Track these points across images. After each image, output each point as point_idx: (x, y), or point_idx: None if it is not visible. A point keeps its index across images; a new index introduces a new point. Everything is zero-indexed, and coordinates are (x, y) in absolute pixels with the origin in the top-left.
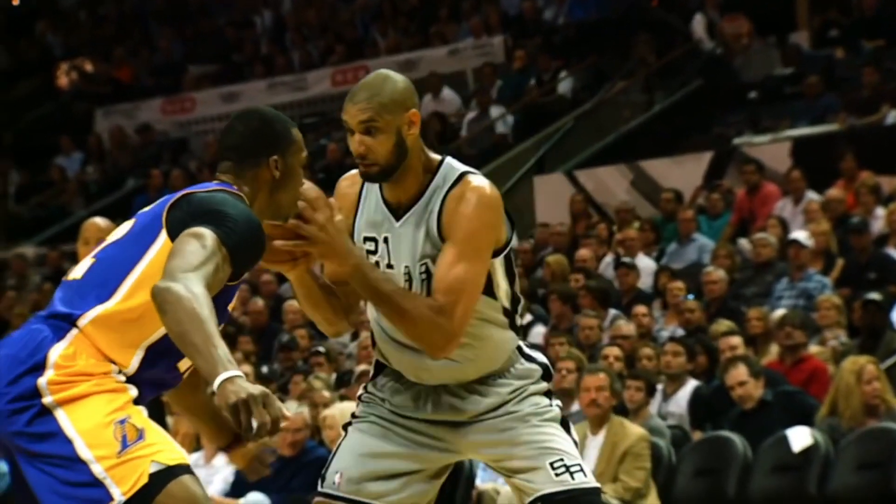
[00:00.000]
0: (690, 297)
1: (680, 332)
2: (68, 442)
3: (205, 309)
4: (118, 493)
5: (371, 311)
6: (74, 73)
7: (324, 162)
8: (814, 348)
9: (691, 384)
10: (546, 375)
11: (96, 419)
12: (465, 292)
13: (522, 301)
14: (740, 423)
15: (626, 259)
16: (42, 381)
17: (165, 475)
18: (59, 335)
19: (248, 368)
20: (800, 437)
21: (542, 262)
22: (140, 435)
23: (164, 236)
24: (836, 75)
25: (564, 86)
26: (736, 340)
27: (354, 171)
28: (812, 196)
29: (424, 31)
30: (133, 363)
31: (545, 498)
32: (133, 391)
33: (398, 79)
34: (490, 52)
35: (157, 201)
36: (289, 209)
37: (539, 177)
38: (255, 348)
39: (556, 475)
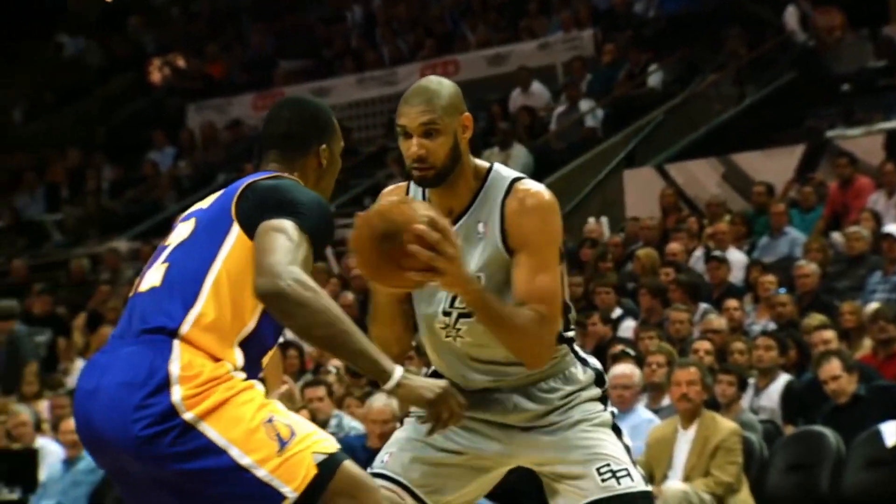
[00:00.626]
0: (782, 290)
1: (772, 326)
2: (223, 452)
3: (336, 306)
4: (289, 490)
5: (421, 326)
6: (167, 68)
7: None
8: None
9: (783, 378)
10: (599, 381)
11: (244, 425)
12: (554, 300)
13: (573, 310)
14: (833, 418)
15: (717, 253)
16: (176, 398)
17: (330, 464)
18: (165, 348)
19: (338, 362)
20: (893, 432)
21: (633, 255)
22: (292, 431)
23: (236, 229)
24: None
25: (655, 79)
26: (829, 334)
27: (399, 185)
28: None
29: (514, 25)
30: (238, 360)
31: None
32: (259, 385)
33: (450, 83)
34: (580, 45)
35: (212, 197)
36: (327, 195)
37: (629, 170)
38: None
39: (603, 481)
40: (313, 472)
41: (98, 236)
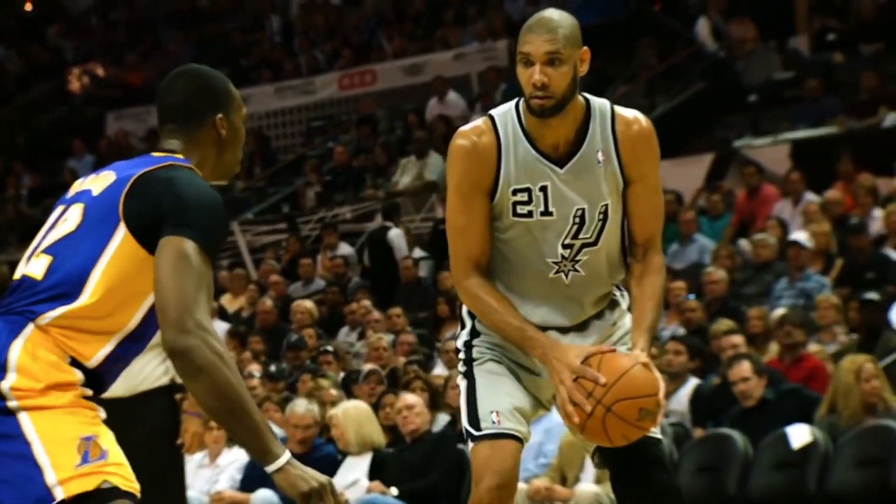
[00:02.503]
0: (691, 296)
1: (681, 331)
2: (27, 444)
3: (237, 375)
4: (61, 492)
5: (501, 284)
6: (86, 77)
7: (331, 164)
8: (813, 347)
9: (692, 382)
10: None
11: (62, 431)
12: (662, 223)
13: None
14: (741, 421)
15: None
16: (5, 385)
17: (113, 494)
18: (18, 329)
19: (257, 367)
20: (799, 435)
21: None
22: (102, 454)
23: (123, 229)
24: (834, 79)
25: None
26: (738, 339)
27: (472, 125)
28: (811, 197)
29: (430, 35)
30: (98, 356)
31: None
32: (102, 413)
33: (570, 16)
34: (494, 56)
35: (105, 180)
36: (234, 168)
37: None
38: (264, 347)
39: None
40: (90, 487)
41: (17, 243)
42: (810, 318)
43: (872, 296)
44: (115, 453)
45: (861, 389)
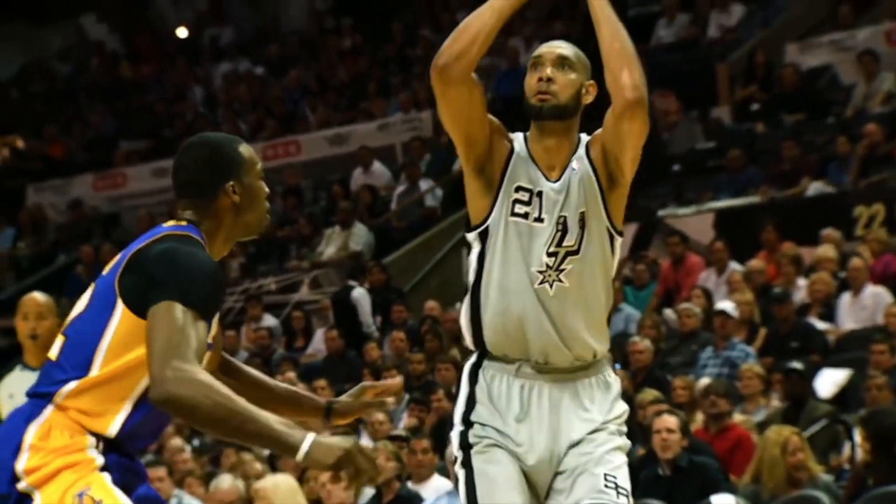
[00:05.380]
0: (617, 366)
1: None
2: None
3: (223, 395)
4: None
5: (489, 296)
6: (6, 149)
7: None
8: (738, 416)
9: None
10: (623, 393)
11: (58, 495)
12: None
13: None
14: (655, 488)
15: None
16: (20, 466)
17: None
18: (36, 413)
19: (179, 442)
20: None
21: None
22: None
23: (120, 306)
24: (757, 148)
25: None
26: (663, 409)
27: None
28: (735, 267)
29: (354, 106)
30: (115, 424)
31: None
32: (100, 460)
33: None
34: (418, 126)
35: (113, 259)
36: (259, 224)
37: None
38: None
39: (606, 486)
40: None
41: None
42: (735, 388)
43: (797, 365)
44: (111, 499)
45: (786, 462)
